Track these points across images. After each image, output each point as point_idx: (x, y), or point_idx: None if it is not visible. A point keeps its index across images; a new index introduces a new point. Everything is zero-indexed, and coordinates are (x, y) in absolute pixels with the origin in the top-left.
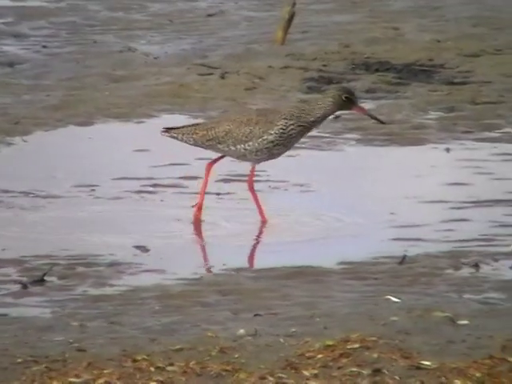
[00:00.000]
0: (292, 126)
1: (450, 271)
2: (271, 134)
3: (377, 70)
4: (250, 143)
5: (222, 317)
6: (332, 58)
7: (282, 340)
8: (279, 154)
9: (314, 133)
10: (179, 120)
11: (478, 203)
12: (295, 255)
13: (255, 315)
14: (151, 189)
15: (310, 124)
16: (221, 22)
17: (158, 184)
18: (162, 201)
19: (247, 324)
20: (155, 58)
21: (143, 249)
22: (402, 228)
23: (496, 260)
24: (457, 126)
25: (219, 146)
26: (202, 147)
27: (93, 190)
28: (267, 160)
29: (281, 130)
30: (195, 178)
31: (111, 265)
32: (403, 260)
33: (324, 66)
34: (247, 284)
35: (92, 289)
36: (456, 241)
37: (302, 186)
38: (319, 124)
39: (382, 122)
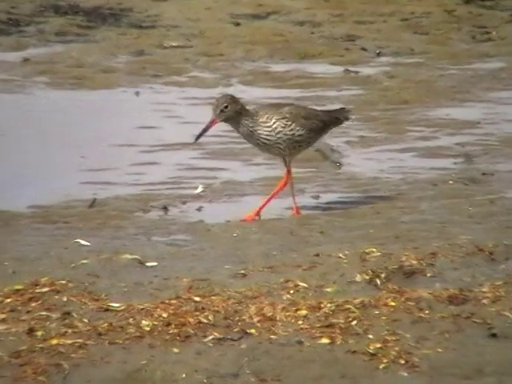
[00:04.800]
0: None
1: (138, 214)
2: None
3: (66, 13)
4: None
5: None
6: (20, 1)
7: None
8: None
9: (3, 76)
10: None
11: (167, 146)
12: None
13: None
14: None
15: None
16: None
17: None
18: None
19: None
20: None
21: None
22: (92, 171)
23: (184, 202)
24: (146, 70)
25: None
26: None
27: None
28: None
29: None
30: None
31: None
32: (93, 203)
33: (12, 7)
34: None
35: None
36: (145, 184)
37: None
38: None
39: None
